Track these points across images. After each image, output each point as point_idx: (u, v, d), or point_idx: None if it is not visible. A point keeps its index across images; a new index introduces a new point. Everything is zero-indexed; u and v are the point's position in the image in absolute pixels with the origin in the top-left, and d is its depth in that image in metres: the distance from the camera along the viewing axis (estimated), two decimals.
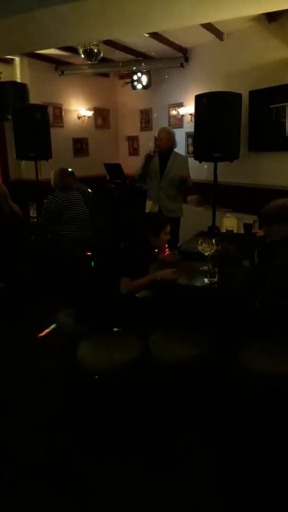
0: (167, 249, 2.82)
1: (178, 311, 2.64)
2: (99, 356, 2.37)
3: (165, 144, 4.52)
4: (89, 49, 4.96)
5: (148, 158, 4.49)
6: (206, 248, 2.65)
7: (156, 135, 4.62)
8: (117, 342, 2.48)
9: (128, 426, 2.44)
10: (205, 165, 4.95)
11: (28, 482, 2.11)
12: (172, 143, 4.57)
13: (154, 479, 2.09)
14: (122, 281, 2.56)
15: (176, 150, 4.63)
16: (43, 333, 3.63)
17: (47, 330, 3.66)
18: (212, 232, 4.53)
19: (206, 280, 2.56)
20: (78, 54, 5.22)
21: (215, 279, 2.52)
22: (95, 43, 4.93)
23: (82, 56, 5.12)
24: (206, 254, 2.65)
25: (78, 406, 2.64)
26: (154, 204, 4.62)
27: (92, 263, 3.19)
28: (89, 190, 5.01)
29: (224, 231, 4.37)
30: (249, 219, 4.36)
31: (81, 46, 4.98)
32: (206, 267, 2.65)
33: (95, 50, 4.99)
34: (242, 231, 3.84)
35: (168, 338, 2.48)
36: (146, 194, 4.79)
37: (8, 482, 2.12)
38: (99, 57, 5.16)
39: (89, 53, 5.01)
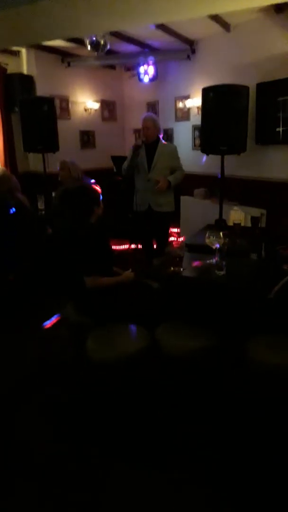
0: (175, 242, 2.83)
1: (186, 304, 2.66)
2: (107, 347, 2.40)
3: (152, 133, 4.32)
4: (96, 40, 4.93)
5: (136, 148, 4.28)
6: (214, 241, 2.66)
7: (141, 124, 4.38)
8: (125, 334, 2.50)
9: (133, 421, 2.46)
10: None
11: (36, 474, 2.15)
12: (158, 130, 4.38)
13: (156, 474, 2.11)
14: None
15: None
16: (49, 324, 3.66)
17: (53, 321, 3.69)
18: (219, 225, 4.53)
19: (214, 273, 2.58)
20: (85, 45, 5.20)
21: (223, 272, 2.54)
22: (101, 34, 4.91)
23: (89, 47, 5.10)
24: (214, 247, 2.66)
25: (85, 398, 2.68)
26: (143, 199, 4.42)
27: None
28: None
29: (231, 224, 4.38)
30: (257, 212, 4.37)
31: (88, 37, 4.96)
32: (213, 260, 2.66)
33: (102, 42, 4.97)
34: (249, 225, 3.85)
35: (176, 330, 2.50)
36: None
37: (17, 474, 2.16)
38: (106, 49, 5.15)
39: (95, 45, 4.99)
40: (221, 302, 2.50)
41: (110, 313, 2.63)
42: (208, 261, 2.72)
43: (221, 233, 2.66)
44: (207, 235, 2.71)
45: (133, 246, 5.24)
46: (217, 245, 2.63)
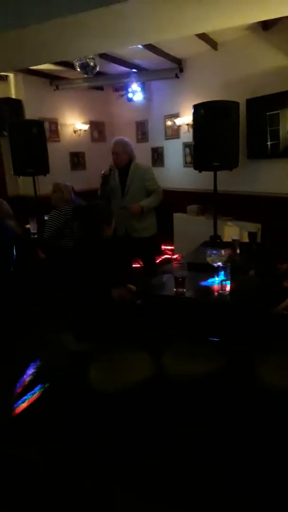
0: (175, 262, 2.75)
1: (191, 326, 2.57)
2: (112, 378, 2.28)
3: (121, 158, 4.07)
4: (85, 62, 4.94)
5: (103, 177, 4.09)
6: (215, 259, 2.59)
7: (111, 149, 4.14)
8: (129, 361, 2.39)
9: (137, 443, 2.34)
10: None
11: (34, 495, 2.05)
12: (129, 155, 4.12)
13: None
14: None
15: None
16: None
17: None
18: (215, 241, 4.48)
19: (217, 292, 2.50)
20: (74, 68, 5.20)
21: (227, 291, 2.46)
22: (90, 56, 4.91)
23: (78, 69, 5.10)
24: (215, 265, 2.59)
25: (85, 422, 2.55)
26: (119, 224, 4.03)
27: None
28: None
29: (226, 240, 4.33)
30: (252, 227, 4.34)
31: (77, 60, 4.97)
32: (216, 279, 2.59)
33: (91, 64, 4.97)
34: (244, 240, 3.80)
35: (183, 354, 2.40)
36: None
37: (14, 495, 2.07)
38: (96, 71, 5.15)
39: (85, 67, 4.99)
40: (227, 322, 2.41)
41: (112, 339, 2.52)
42: (210, 280, 2.65)
43: (222, 251, 2.60)
44: (208, 253, 2.64)
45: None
46: (219, 263, 2.56)
